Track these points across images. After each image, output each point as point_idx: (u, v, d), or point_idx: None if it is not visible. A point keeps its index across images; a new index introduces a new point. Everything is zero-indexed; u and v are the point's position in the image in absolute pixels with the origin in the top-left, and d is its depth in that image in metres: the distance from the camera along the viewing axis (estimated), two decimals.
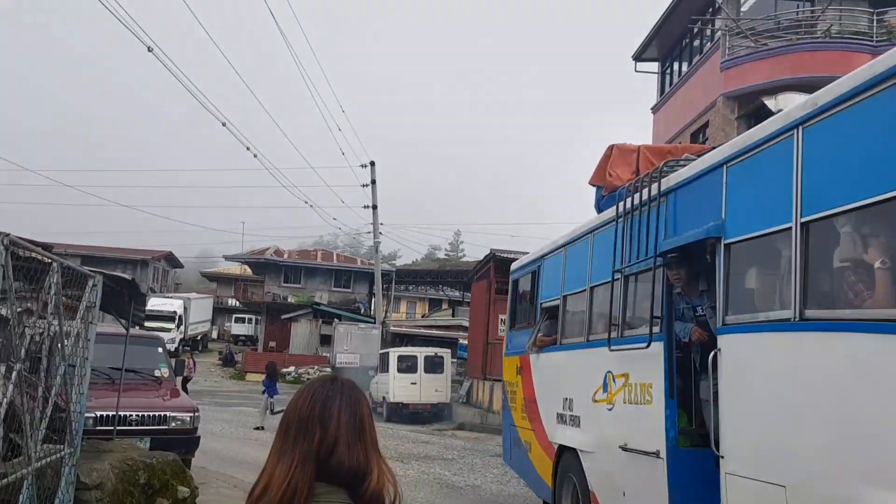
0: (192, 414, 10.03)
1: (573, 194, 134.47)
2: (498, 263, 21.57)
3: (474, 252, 76.82)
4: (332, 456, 1.77)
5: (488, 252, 21.59)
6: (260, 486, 1.78)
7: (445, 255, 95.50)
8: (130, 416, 9.47)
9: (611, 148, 7.35)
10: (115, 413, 8.97)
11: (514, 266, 10.52)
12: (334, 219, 37.32)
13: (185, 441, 9.90)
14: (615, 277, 6.25)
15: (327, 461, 1.77)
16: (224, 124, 16.81)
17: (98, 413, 9.22)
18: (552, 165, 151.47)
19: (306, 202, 30.56)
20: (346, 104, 37.14)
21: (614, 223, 6.39)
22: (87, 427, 9.11)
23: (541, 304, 8.52)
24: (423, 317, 61.06)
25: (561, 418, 7.60)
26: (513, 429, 9.70)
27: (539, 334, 8.32)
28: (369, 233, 42.09)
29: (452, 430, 20.54)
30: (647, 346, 5.56)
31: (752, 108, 19.74)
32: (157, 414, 9.71)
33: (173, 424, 9.77)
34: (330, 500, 1.76)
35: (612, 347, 6.18)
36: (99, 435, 8.82)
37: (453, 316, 52.79)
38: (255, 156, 19.23)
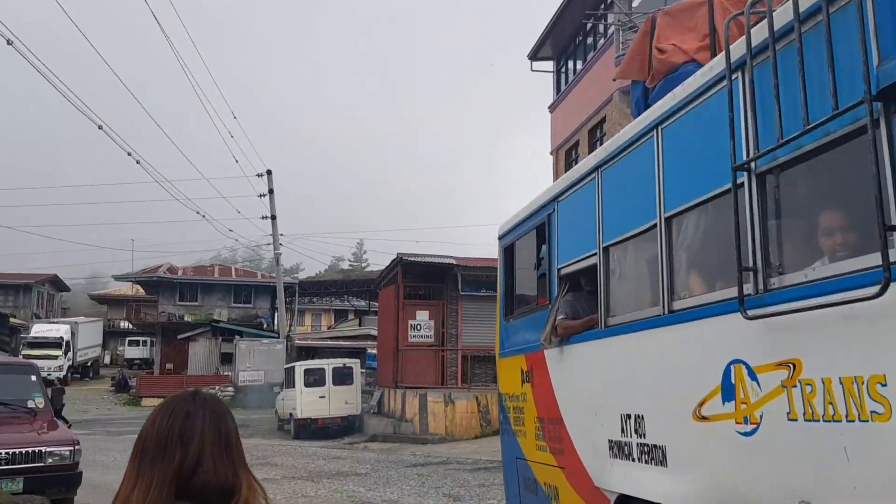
0: (71, 448, 8.96)
1: (475, 198, 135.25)
2: (405, 267, 21.00)
3: (378, 261, 76.27)
4: (196, 475, 1.68)
5: (395, 256, 20.98)
6: None
7: (349, 265, 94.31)
8: None
9: (651, 19, 5.28)
10: None
11: (503, 227, 7.37)
12: (230, 230, 35.73)
13: (64, 479, 8.85)
14: (738, 180, 3.38)
15: (189, 481, 1.67)
16: (101, 127, 15.55)
17: None
18: (453, 169, 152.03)
19: (198, 213, 29.13)
20: (238, 109, 35.62)
21: (725, 81, 3.46)
22: None
23: (558, 271, 5.67)
24: (328, 328, 59.76)
25: (618, 449, 4.66)
26: (521, 464, 6.44)
27: (559, 317, 5.48)
28: (269, 244, 40.80)
29: (364, 443, 19.80)
30: (879, 293, 2.52)
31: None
32: (30, 450, 8.60)
33: (50, 461, 8.69)
34: None
35: (751, 312, 3.20)
36: None
37: (360, 325, 51.86)
38: (138, 162, 17.96)
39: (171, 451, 1.69)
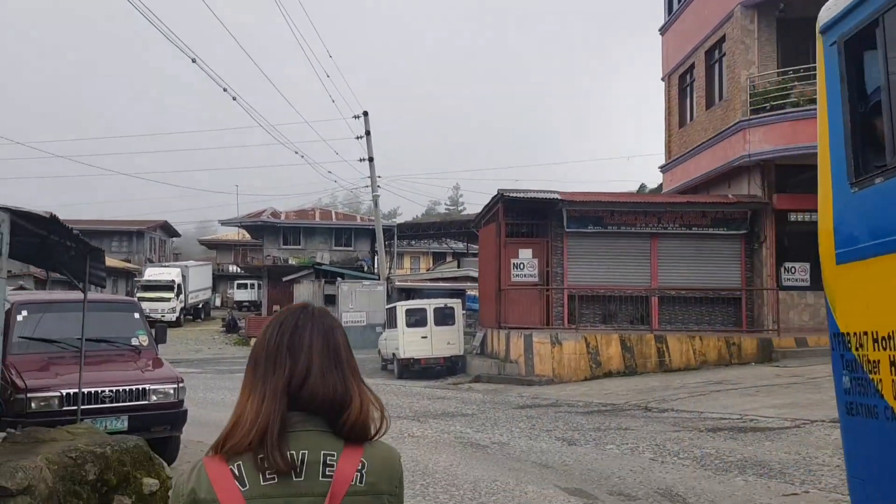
0: (175, 385, 8.72)
1: (576, 133, 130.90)
2: (507, 204, 20.12)
3: (476, 204, 75.45)
4: (304, 387, 1.65)
5: (495, 193, 20.10)
6: (229, 426, 1.65)
7: (446, 208, 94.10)
8: (102, 392, 8.14)
9: None
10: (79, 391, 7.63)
11: (834, 5, 4.02)
12: (329, 171, 35.39)
13: (170, 416, 8.63)
14: None
15: (299, 393, 1.65)
16: (194, 60, 15.23)
17: (63, 391, 7.90)
18: (555, 104, 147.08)
19: (297, 152, 28.96)
20: (333, 50, 35.02)
21: None
22: (52, 408, 7.82)
23: None
24: (427, 270, 59.80)
25: None
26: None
27: None
28: (367, 187, 40.65)
29: (469, 384, 19.35)
30: None
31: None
32: (133, 388, 8.39)
33: (154, 398, 8.47)
34: (306, 429, 1.64)
35: None
36: (64, 417, 7.51)
37: (459, 267, 51.55)
38: (234, 98, 17.69)
39: (281, 363, 1.69)
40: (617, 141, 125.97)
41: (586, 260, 20.18)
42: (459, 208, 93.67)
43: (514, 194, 19.55)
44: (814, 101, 18.18)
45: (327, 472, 1.62)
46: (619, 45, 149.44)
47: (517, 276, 20.11)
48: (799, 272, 19.94)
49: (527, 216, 20.44)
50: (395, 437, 11.63)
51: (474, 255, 59.88)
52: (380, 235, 39.23)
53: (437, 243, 66.23)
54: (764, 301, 19.80)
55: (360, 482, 1.64)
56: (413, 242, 64.10)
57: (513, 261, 20.13)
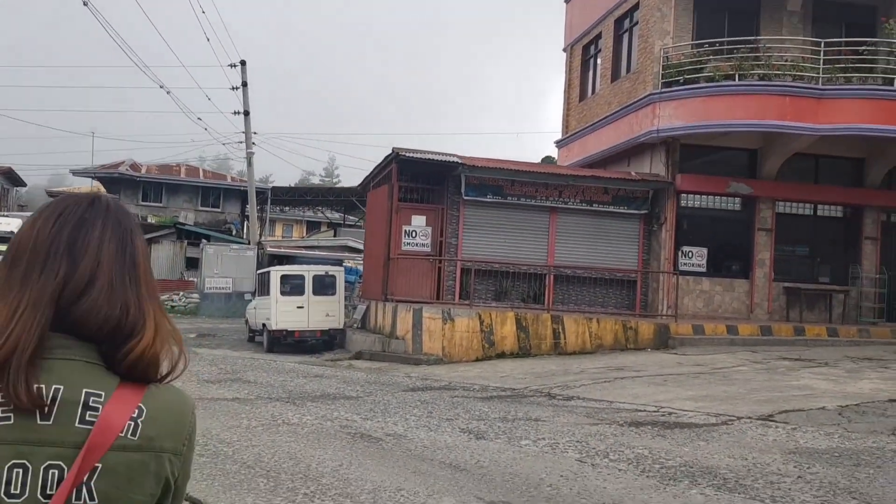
0: None
1: (470, 108, 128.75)
2: (401, 164, 18.30)
3: (352, 179, 72.75)
4: (81, 300, 1.23)
5: (389, 152, 18.22)
6: None
7: (321, 180, 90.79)
8: None
9: None
10: None
11: None
12: (199, 118, 31.99)
13: None
14: None
15: (73, 306, 1.23)
16: None
17: None
18: (450, 78, 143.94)
19: (162, 87, 25.88)
20: None
21: None
22: None
23: None
24: (301, 238, 57.15)
25: None
26: None
27: None
28: (240, 142, 37.63)
29: (349, 360, 17.51)
30: None
31: None
32: None
33: None
34: (68, 357, 1.22)
35: None
36: None
37: (335, 237, 49.32)
38: (86, 3, 14.61)
39: (54, 263, 1.24)
40: (515, 116, 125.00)
41: (483, 231, 18.73)
42: (334, 180, 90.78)
43: (411, 154, 17.75)
44: (730, 77, 17.47)
45: (87, 417, 1.20)
46: (519, 14, 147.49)
47: (408, 244, 18.39)
48: (696, 257, 19.35)
49: (422, 180, 18.73)
50: (266, 424, 9.70)
51: (351, 225, 57.85)
52: (252, 196, 36.46)
53: (313, 212, 63.75)
54: (660, 285, 19.06)
55: (133, 434, 1.22)
56: (286, 209, 61.26)
57: (405, 227, 18.38)
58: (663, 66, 18.06)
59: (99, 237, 1.29)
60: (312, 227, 67.41)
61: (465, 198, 18.41)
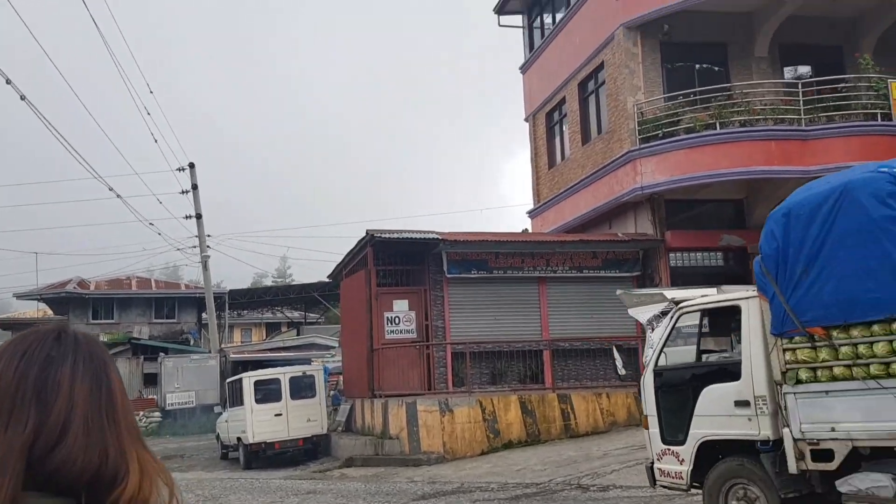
0: None
1: (432, 190, 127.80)
2: (377, 247, 17.06)
3: (305, 275, 70.92)
4: (55, 451, 1.09)
5: (363, 235, 16.97)
6: None
7: (273, 281, 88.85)
8: None
9: None
10: None
11: None
12: (151, 224, 30.47)
13: None
14: None
15: (46, 458, 1.08)
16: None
17: None
18: (406, 163, 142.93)
19: (111, 189, 24.42)
20: (157, 90, 30.52)
21: None
22: None
23: None
24: (264, 341, 54.95)
25: None
26: None
27: None
28: (194, 247, 36.03)
29: (339, 469, 15.74)
30: None
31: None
32: None
33: None
34: None
35: None
36: None
37: (298, 335, 47.39)
38: (23, 98, 13.23)
39: (21, 413, 1.09)
40: (478, 194, 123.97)
41: (470, 310, 17.44)
42: (287, 280, 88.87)
43: (387, 235, 16.55)
44: (710, 126, 16.86)
45: None
46: (476, 89, 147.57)
47: (392, 332, 16.96)
48: None
49: (400, 261, 17.49)
50: None
51: (313, 323, 55.93)
52: (210, 301, 34.71)
53: (272, 313, 61.84)
54: None
55: None
56: (244, 313, 59.12)
57: (386, 314, 16.98)
58: (639, 121, 17.41)
59: (70, 376, 1.15)
60: (272, 328, 65.29)
61: (449, 275, 17.17)
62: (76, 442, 1.09)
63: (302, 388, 18.18)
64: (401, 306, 17.10)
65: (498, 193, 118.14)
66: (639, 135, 17.35)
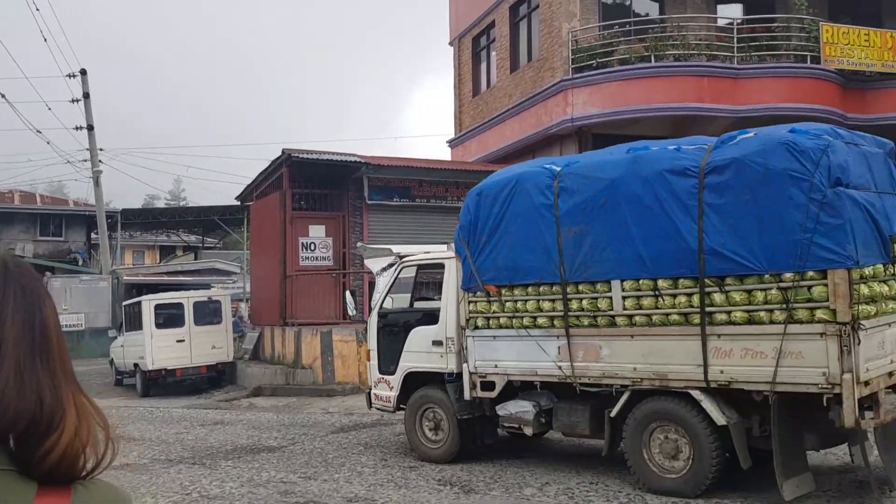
0: None
1: (340, 117, 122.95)
2: (294, 168, 15.98)
3: (202, 199, 67.71)
4: None
5: (280, 154, 15.82)
6: None
7: (167, 204, 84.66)
8: None
9: None
10: None
11: None
12: (39, 132, 27.86)
13: None
14: None
15: None
16: None
17: None
18: (317, 86, 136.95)
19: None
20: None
21: None
22: None
23: None
24: (160, 264, 52.59)
25: None
26: None
27: None
28: (85, 161, 33.48)
29: (248, 399, 14.95)
30: None
31: None
32: None
33: None
34: None
35: None
36: None
37: (196, 259, 45.52)
38: None
39: None
40: (396, 122, 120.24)
41: (390, 239, 16.61)
42: (181, 203, 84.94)
43: (305, 156, 15.48)
44: (645, 59, 16.43)
45: None
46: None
47: (307, 258, 16.06)
48: None
49: (318, 185, 16.47)
50: (180, 501, 7.29)
51: (210, 248, 53.82)
52: (102, 220, 32.49)
53: (166, 236, 59.16)
54: None
55: None
56: (136, 234, 56.26)
57: (301, 240, 16.03)
58: (573, 50, 16.80)
59: (1, 312, 1.04)
60: (166, 252, 62.68)
61: (369, 202, 16.32)
62: (7, 387, 1.00)
63: (207, 313, 17.10)
64: (317, 232, 16.18)
65: (415, 122, 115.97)
66: (572, 64, 16.77)
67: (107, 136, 60.41)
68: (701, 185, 6.09)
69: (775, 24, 16.87)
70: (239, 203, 22.78)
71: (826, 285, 5.49)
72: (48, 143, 31.66)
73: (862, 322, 5.45)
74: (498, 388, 7.53)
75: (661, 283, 6.34)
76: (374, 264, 9.55)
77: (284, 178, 16.04)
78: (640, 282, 6.47)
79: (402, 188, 16.55)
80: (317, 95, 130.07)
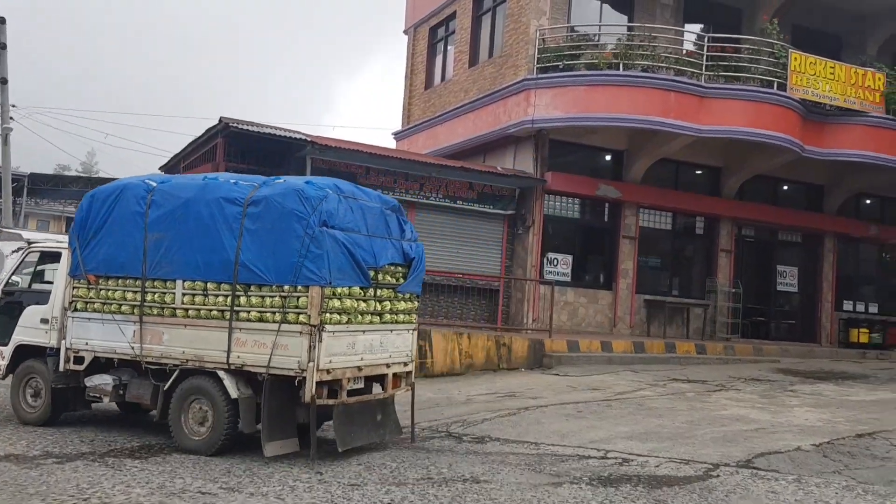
0: None
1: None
2: (230, 139, 14.64)
3: (115, 173, 64.14)
4: None
5: (216, 122, 14.46)
6: None
7: (77, 175, 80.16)
8: None
9: None
10: None
11: None
12: None
13: None
14: None
15: None
16: None
17: None
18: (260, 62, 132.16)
19: None
20: None
21: None
22: None
23: None
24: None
25: None
26: None
27: None
28: None
29: None
30: None
31: None
32: None
33: None
34: None
35: None
36: None
37: None
38: None
39: None
40: (338, 110, 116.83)
41: None
42: (93, 175, 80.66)
43: (244, 127, 14.18)
44: (614, 67, 15.83)
45: None
46: None
47: None
48: (561, 265, 17.57)
49: (255, 161, 15.17)
50: None
51: None
52: (7, 182, 29.88)
53: (74, 207, 55.74)
54: (525, 295, 17.00)
55: None
56: (42, 202, 52.82)
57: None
58: (539, 49, 16.07)
59: None
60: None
61: None
62: None
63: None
64: None
65: (356, 112, 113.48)
66: (537, 63, 16.03)
67: (22, 95, 56.73)
68: (244, 213, 7.72)
69: (744, 46, 16.57)
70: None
71: (308, 297, 7.36)
72: None
73: (327, 326, 7.38)
74: (86, 363, 8.76)
75: (209, 285, 7.91)
76: (5, 247, 10.92)
77: (219, 150, 14.69)
78: (196, 283, 8.00)
79: (348, 174, 15.41)
80: (254, 75, 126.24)
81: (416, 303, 8.76)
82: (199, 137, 15.77)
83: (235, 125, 14.19)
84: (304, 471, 7.33)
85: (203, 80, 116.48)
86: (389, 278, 8.30)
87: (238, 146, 14.92)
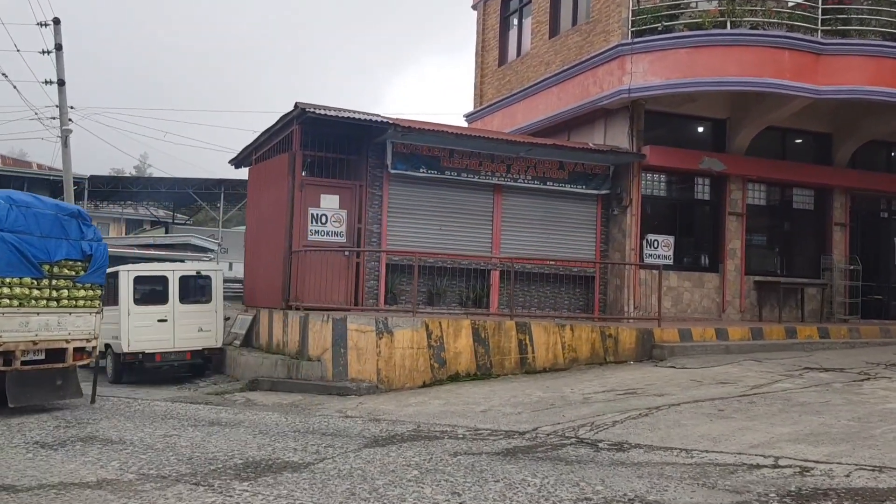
0: None
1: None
2: (308, 127, 13.66)
3: (166, 169, 64.08)
4: None
5: (292, 108, 13.47)
6: None
7: (136, 176, 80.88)
8: None
9: None
10: None
11: None
12: (5, 75, 25.04)
13: None
14: None
15: None
16: None
17: None
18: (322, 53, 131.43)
19: None
20: None
21: None
22: None
23: None
24: (128, 236, 49.66)
25: None
26: None
27: None
28: (53, 118, 30.57)
29: (242, 393, 12.61)
30: None
31: None
32: None
33: None
34: None
35: None
36: None
37: (167, 233, 42.72)
38: None
39: None
40: (407, 95, 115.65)
41: (413, 216, 14.52)
42: (150, 176, 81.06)
43: (322, 112, 13.16)
44: (720, 25, 14.36)
45: None
46: None
47: (317, 232, 13.77)
48: (662, 247, 16.21)
49: (333, 148, 14.20)
50: None
51: (181, 224, 50.96)
52: (69, 185, 29.61)
53: (133, 209, 56.24)
54: (624, 282, 15.70)
55: None
56: (101, 205, 53.19)
57: (312, 210, 13.72)
58: (633, 11, 14.70)
59: None
60: (133, 226, 59.78)
61: (392, 171, 14.09)
62: None
63: (194, 290, 14.73)
64: (330, 202, 13.89)
65: (419, 98, 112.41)
66: (632, 27, 14.66)
67: (82, 94, 57.03)
68: None
69: None
70: (217, 179, 20.34)
71: None
72: (15, 87, 28.11)
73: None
74: None
75: None
76: None
77: (295, 138, 13.70)
78: None
79: (431, 158, 14.32)
80: (304, 69, 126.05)
81: (98, 291, 10.63)
82: (272, 126, 14.80)
83: (312, 110, 13.17)
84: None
85: (252, 76, 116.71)
86: (67, 271, 10.18)
87: (315, 132, 13.93)
